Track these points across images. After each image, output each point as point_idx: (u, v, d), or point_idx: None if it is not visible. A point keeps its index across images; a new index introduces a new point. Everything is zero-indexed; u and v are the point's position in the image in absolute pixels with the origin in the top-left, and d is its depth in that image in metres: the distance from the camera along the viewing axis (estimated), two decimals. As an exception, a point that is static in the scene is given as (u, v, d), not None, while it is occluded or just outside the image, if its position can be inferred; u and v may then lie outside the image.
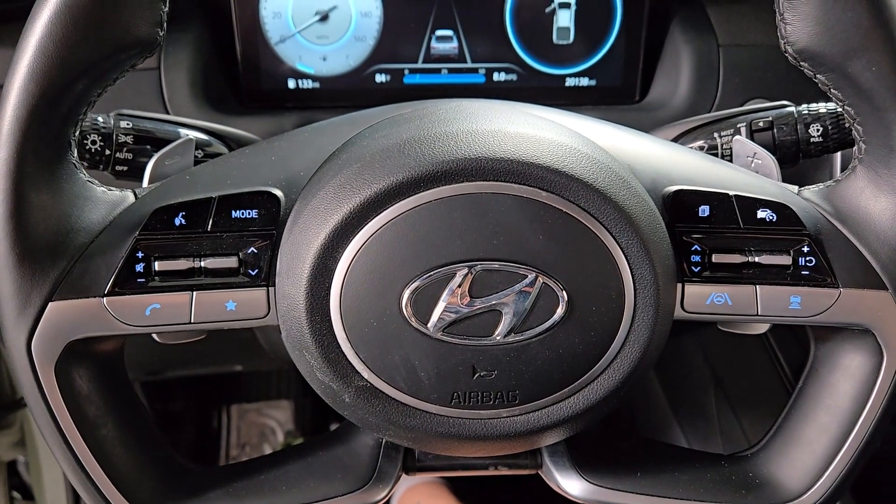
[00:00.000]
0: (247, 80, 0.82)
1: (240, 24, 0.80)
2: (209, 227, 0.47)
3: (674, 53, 0.83)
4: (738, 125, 0.64)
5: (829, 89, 0.48)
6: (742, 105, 0.79)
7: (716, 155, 0.64)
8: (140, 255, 0.46)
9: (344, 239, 0.45)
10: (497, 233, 0.45)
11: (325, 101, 0.83)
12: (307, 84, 0.83)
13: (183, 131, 0.62)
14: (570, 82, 0.84)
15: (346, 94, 0.83)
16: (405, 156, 0.45)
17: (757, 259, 0.49)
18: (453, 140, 0.46)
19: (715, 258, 0.49)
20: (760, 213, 0.49)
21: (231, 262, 0.47)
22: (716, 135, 0.64)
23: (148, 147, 0.60)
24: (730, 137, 0.63)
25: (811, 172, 0.73)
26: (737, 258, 0.49)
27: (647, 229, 0.46)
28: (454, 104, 0.53)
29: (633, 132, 0.56)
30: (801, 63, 0.48)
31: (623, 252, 0.46)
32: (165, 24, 0.46)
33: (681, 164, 0.52)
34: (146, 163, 0.57)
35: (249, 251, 0.47)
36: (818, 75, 0.48)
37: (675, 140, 0.67)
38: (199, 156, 0.61)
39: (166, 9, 0.46)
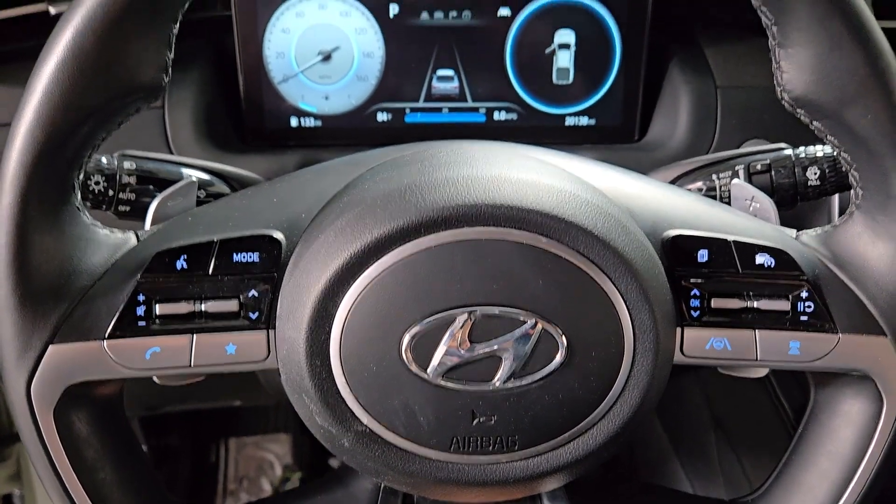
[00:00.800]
0: (250, 119, 0.82)
1: (244, 63, 0.80)
2: (210, 270, 0.47)
3: (672, 94, 0.83)
4: (737, 167, 0.64)
5: (826, 136, 0.48)
6: (740, 145, 0.80)
7: (714, 197, 0.65)
8: (141, 298, 0.47)
9: (344, 283, 0.45)
10: (497, 278, 0.45)
11: (328, 140, 0.84)
12: (309, 122, 0.83)
13: (186, 171, 0.62)
14: (569, 122, 0.85)
15: (347, 132, 0.84)
16: (406, 201, 0.45)
17: (756, 304, 0.49)
18: (453, 185, 0.46)
19: (714, 303, 0.49)
20: (759, 259, 0.49)
21: (232, 305, 0.47)
22: (714, 177, 0.65)
23: (151, 187, 0.61)
24: (728, 180, 0.64)
25: (809, 214, 0.74)
26: (736, 303, 0.49)
27: (646, 275, 0.46)
28: (454, 147, 0.53)
29: (632, 174, 0.57)
30: (798, 110, 0.48)
31: (622, 298, 0.46)
32: (170, 70, 0.47)
33: (679, 207, 0.52)
34: (149, 203, 0.58)
35: (250, 294, 0.48)
36: (814, 122, 0.48)
37: (673, 181, 0.68)
38: (202, 196, 0.62)
39: (171, 55, 0.47)
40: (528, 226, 0.45)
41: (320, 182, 0.53)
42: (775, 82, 0.49)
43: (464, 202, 0.45)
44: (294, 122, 0.83)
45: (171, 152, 0.76)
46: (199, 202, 0.62)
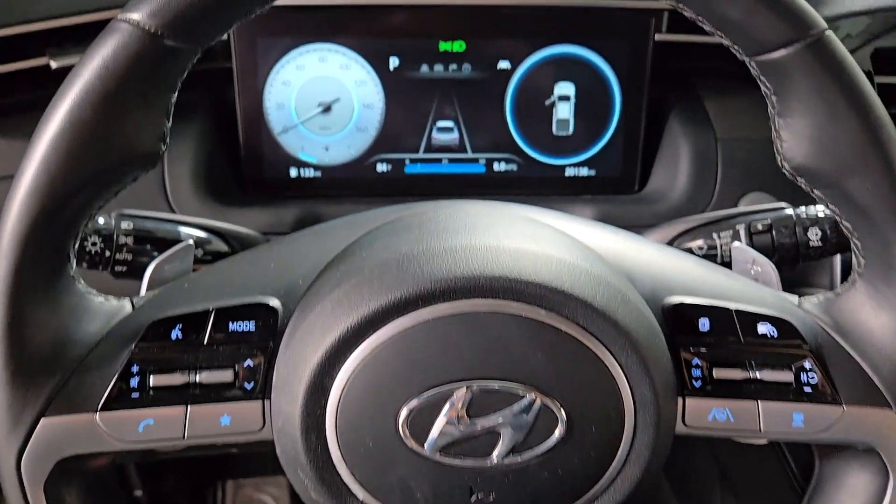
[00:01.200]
0: (249, 170, 0.82)
1: (244, 114, 0.80)
2: (206, 340, 0.47)
3: (672, 146, 0.83)
4: (737, 226, 0.64)
5: (827, 204, 0.48)
6: (740, 197, 0.80)
7: (715, 256, 0.64)
8: (135, 369, 0.46)
9: (341, 356, 0.44)
10: (495, 351, 0.44)
11: (327, 190, 0.84)
12: (309, 173, 0.83)
13: (183, 231, 0.62)
14: (569, 172, 0.85)
15: (347, 183, 0.84)
16: (403, 272, 0.45)
17: (758, 374, 0.48)
18: (451, 256, 0.45)
19: (716, 373, 0.48)
20: (761, 328, 0.49)
21: (227, 375, 0.47)
22: (715, 235, 0.65)
23: (148, 247, 0.60)
24: (729, 239, 0.63)
25: (811, 272, 0.73)
26: (738, 373, 0.48)
27: (647, 346, 0.46)
28: (453, 210, 0.53)
29: (632, 237, 0.56)
30: (798, 178, 0.48)
31: (623, 370, 0.45)
32: (168, 137, 0.46)
33: (680, 273, 0.52)
34: (146, 262, 0.57)
35: (245, 364, 0.47)
36: (815, 190, 0.48)
37: (674, 240, 0.67)
38: (199, 255, 0.62)
39: (169, 123, 0.46)
40: (526, 298, 0.44)
41: (318, 245, 0.52)
42: (775, 150, 0.49)
43: (461, 274, 0.44)
44: (294, 172, 0.83)
45: (170, 205, 0.75)
46: (197, 261, 0.61)
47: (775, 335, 0.49)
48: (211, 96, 0.82)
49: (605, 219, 0.78)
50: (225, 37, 0.77)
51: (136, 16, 0.43)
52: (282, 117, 0.81)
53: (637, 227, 0.77)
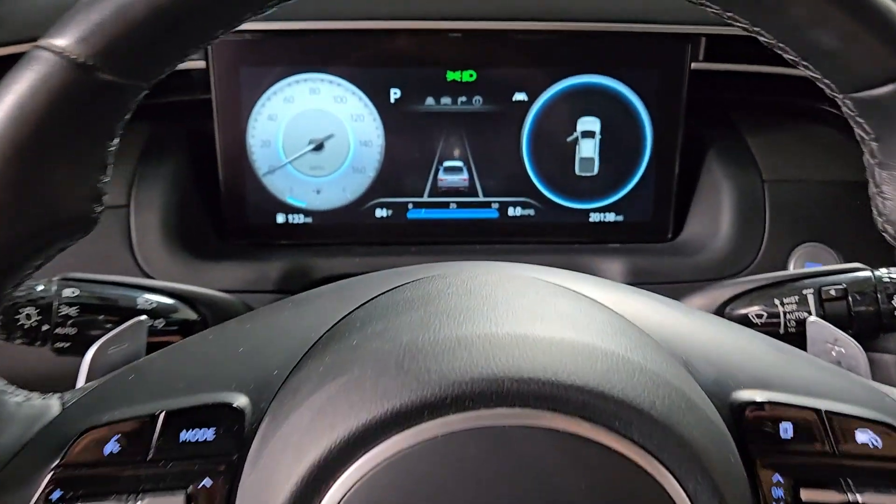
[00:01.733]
0: (230, 216, 0.73)
1: (224, 153, 0.71)
2: (151, 454, 0.36)
3: (712, 188, 0.74)
4: (804, 291, 0.54)
5: None
6: (792, 249, 0.70)
7: (778, 328, 0.54)
8: (57, 495, 0.35)
9: (323, 483, 0.34)
10: (525, 478, 0.34)
11: (318, 238, 0.74)
12: (298, 219, 0.74)
13: (142, 297, 0.52)
14: (594, 218, 0.75)
15: (341, 229, 0.74)
16: (403, 372, 0.35)
17: (859, 498, 0.38)
18: (466, 350, 0.35)
19: (804, 495, 0.38)
20: (860, 436, 0.38)
21: (177, 500, 0.36)
22: (777, 302, 0.54)
23: (100, 317, 0.50)
24: (795, 306, 0.53)
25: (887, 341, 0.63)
26: (833, 496, 0.38)
27: (719, 467, 0.35)
28: (467, 278, 0.43)
29: (683, 309, 0.46)
30: None
31: (690, 499, 0.35)
32: (104, 197, 0.36)
33: (749, 358, 0.42)
34: (94, 336, 0.47)
35: (201, 486, 0.36)
36: None
37: (725, 305, 0.57)
38: (159, 326, 0.51)
39: (107, 178, 0.36)
40: (566, 407, 0.34)
41: (299, 323, 0.42)
42: (873, 209, 0.38)
43: (480, 374, 0.34)
44: (281, 218, 0.73)
45: (136, 260, 0.66)
46: (160, 332, 0.51)
47: (879, 445, 0.38)
48: (186, 132, 0.73)
49: (637, 272, 0.68)
50: (203, 64, 0.68)
51: (60, 42, 0.33)
52: (268, 156, 0.71)
53: (674, 283, 0.67)
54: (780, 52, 0.38)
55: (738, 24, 0.38)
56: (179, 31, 0.34)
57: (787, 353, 0.43)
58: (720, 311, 0.57)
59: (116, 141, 0.37)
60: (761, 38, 0.38)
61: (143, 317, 0.48)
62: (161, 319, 0.51)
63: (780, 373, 0.41)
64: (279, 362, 0.40)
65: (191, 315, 0.54)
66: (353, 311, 0.42)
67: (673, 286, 0.68)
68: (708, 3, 0.38)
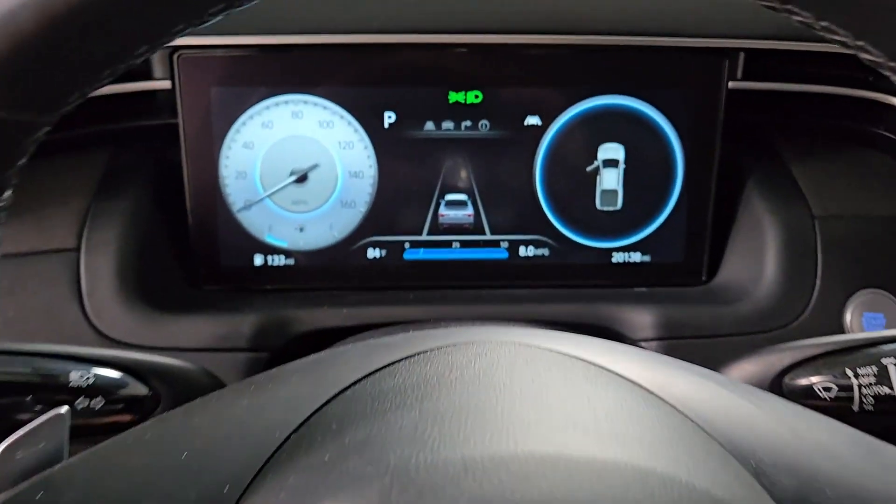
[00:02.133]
0: (201, 258, 0.64)
1: (193, 185, 0.62)
2: None
3: (753, 224, 0.65)
4: (883, 360, 0.44)
5: None
6: (849, 297, 0.60)
7: (850, 403, 0.44)
8: None
9: None
10: None
11: (302, 282, 0.65)
12: (279, 261, 0.64)
13: (75, 373, 0.42)
14: (617, 258, 0.66)
15: (328, 272, 0.65)
16: None
17: None
18: (475, 480, 0.25)
19: None
20: None
21: None
22: (849, 372, 0.45)
23: (27, 399, 0.41)
24: (872, 379, 0.44)
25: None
26: None
27: None
28: (473, 355, 0.33)
29: (744, 389, 0.36)
30: None
31: None
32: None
33: (837, 464, 0.32)
34: (20, 421, 0.38)
35: None
36: None
37: (784, 374, 0.47)
38: (99, 405, 0.42)
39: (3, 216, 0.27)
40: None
41: (259, 418, 0.33)
42: None
43: None
44: (259, 260, 0.64)
45: (85, 313, 0.56)
46: (103, 413, 0.42)
47: None
48: (149, 162, 0.64)
49: (668, 324, 0.59)
50: (168, 84, 0.59)
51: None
52: (243, 189, 0.63)
53: (712, 337, 0.58)
54: (889, 73, 0.28)
55: (836, 37, 0.28)
56: (85, 48, 0.25)
57: (882, 455, 0.33)
58: (777, 382, 0.47)
59: (8, 194, 0.27)
60: (865, 56, 0.29)
61: (64, 408, 0.39)
62: (100, 398, 0.42)
63: (876, 485, 0.31)
64: (231, 474, 0.31)
65: (140, 390, 0.44)
66: (328, 401, 0.33)
67: (711, 340, 0.59)
68: (797, 10, 0.29)
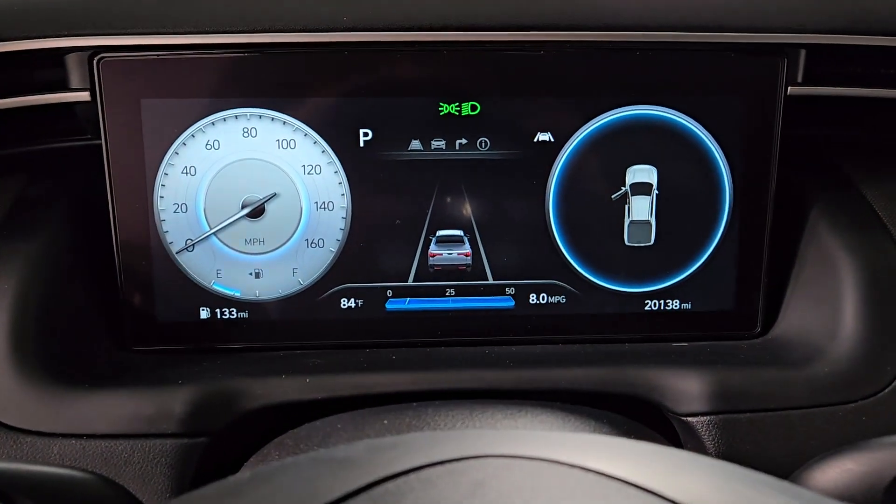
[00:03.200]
0: (130, 310, 0.52)
1: (121, 221, 0.52)
2: None
3: (822, 262, 0.54)
4: None
5: None
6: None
7: None
8: None
9: None
10: None
11: (259, 341, 0.55)
12: (230, 314, 0.53)
13: None
14: (650, 306, 0.55)
15: (290, 329, 0.54)
16: None
17: None
18: None
19: None
20: None
21: None
22: None
23: None
24: None
25: None
26: None
27: None
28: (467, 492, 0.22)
29: None
30: None
31: None
32: None
33: None
34: None
35: None
36: None
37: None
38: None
39: None
40: None
41: None
42: None
43: None
44: (205, 313, 0.53)
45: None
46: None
47: None
48: (65, 192, 0.53)
49: (722, 394, 0.51)
50: (87, 95, 0.47)
51: None
52: (184, 225, 0.52)
53: (780, 410, 0.46)
54: None
55: None
56: None
57: None
58: (893, 490, 0.35)
59: None
60: None
61: None
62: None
63: None
64: None
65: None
66: None
67: (780, 415, 0.46)
68: None
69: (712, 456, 0.45)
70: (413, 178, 0.52)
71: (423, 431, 0.42)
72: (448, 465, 0.27)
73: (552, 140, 0.52)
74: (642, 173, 0.53)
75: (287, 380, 0.48)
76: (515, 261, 0.54)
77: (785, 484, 0.28)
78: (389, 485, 0.26)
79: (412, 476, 0.26)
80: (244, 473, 0.30)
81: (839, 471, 0.35)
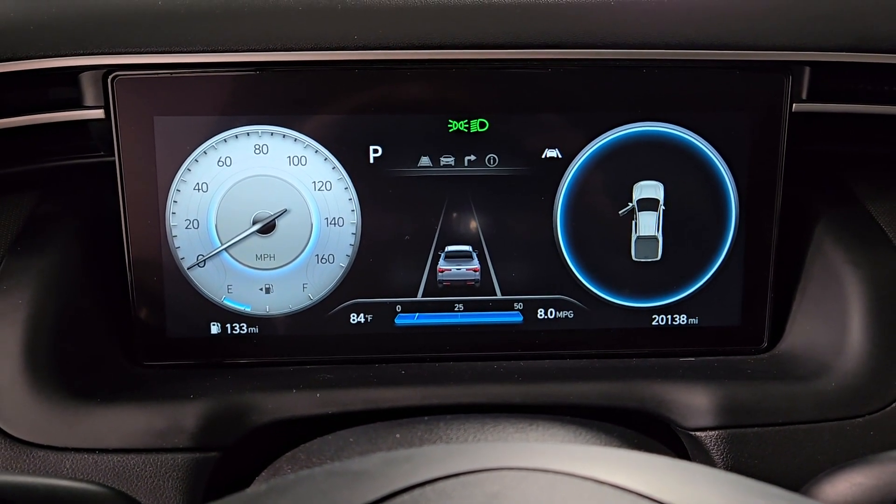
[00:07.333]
0: (142, 326, 0.52)
1: (134, 237, 0.52)
2: None
3: (827, 277, 0.54)
4: None
5: None
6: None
7: None
8: None
9: None
10: None
11: (269, 356, 0.55)
12: (241, 329, 0.53)
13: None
14: (658, 321, 0.55)
15: (301, 343, 0.55)
16: None
17: None
18: None
19: None
20: None
21: None
22: None
23: None
24: None
25: None
26: None
27: None
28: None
29: None
30: None
31: None
32: None
33: None
34: None
35: None
36: None
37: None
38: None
39: None
40: None
41: None
42: None
43: None
44: (215, 328, 0.53)
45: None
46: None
47: None
48: (79, 208, 0.54)
49: (730, 409, 0.51)
50: (101, 113, 0.48)
51: None
52: (196, 241, 0.53)
53: (787, 424, 0.46)
54: None
55: None
56: None
57: None
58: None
59: None
60: None
61: None
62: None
63: None
64: None
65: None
66: None
67: (787, 429, 0.46)
68: None
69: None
70: (422, 195, 0.53)
71: (437, 444, 0.42)
72: (463, 478, 0.28)
73: (560, 156, 0.53)
74: (649, 189, 0.54)
75: (297, 395, 0.48)
76: (524, 276, 0.54)
77: (798, 497, 0.28)
78: (405, 497, 0.26)
79: (428, 488, 0.26)
80: (260, 486, 0.30)
81: (849, 484, 0.36)
